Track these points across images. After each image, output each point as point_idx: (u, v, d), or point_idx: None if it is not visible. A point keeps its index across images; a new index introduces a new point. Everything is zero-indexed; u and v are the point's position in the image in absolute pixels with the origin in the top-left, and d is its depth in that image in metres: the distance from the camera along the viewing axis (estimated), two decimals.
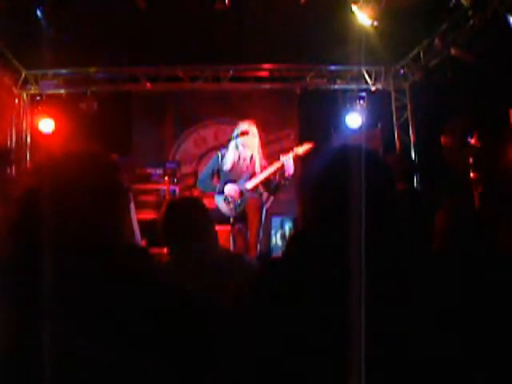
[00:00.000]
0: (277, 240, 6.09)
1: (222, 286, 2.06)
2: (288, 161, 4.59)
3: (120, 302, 1.03)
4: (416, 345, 0.99)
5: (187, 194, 6.00)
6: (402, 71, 6.92)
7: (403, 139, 7.08)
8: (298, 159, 4.72)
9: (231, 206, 4.66)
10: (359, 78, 7.09)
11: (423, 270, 1.10)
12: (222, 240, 4.07)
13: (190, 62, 6.65)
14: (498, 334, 1.03)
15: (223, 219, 4.63)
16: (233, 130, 4.83)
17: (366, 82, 7.06)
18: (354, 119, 6.96)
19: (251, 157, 4.77)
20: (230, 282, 2.06)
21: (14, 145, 6.65)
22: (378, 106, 7.03)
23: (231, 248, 4.50)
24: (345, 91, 7.13)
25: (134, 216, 3.99)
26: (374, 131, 7.06)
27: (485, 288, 1.11)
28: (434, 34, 5.71)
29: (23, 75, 6.58)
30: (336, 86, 7.16)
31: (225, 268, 2.23)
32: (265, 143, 6.96)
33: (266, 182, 4.74)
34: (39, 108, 6.58)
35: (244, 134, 4.69)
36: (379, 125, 7.09)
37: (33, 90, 6.75)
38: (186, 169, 6.97)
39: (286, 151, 4.72)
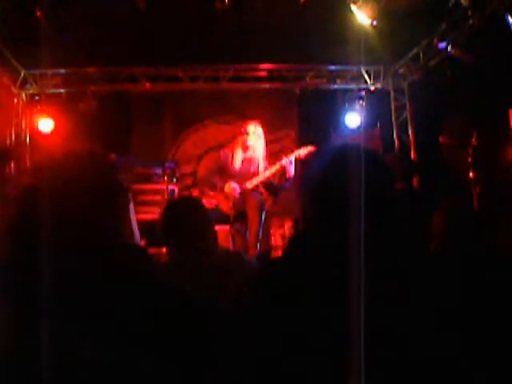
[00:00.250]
0: (277, 240, 6.08)
1: (222, 285, 2.06)
2: (289, 163, 4.59)
3: (119, 302, 1.03)
4: (416, 345, 0.99)
5: (186, 193, 5.99)
6: (401, 71, 6.92)
7: (402, 139, 7.08)
8: (298, 161, 4.72)
9: (231, 204, 4.67)
10: (358, 77, 7.09)
11: (422, 269, 1.10)
12: (221, 240, 4.07)
13: (189, 61, 6.65)
14: (497, 333, 1.03)
15: (223, 219, 4.63)
16: (235, 130, 4.83)
17: (366, 82, 7.06)
18: (353, 119, 6.96)
19: (256, 158, 4.78)
20: (229, 282, 2.06)
21: (13, 144, 6.64)
22: (377, 105, 7.03)
23: (231, 248, 4.50)
24: (344, 91, 7.13)
25: (134, 216, 3.99)
26: (373, 131, 7.06)
27: (484, 288, 1.11)
28: (433, 33, 5.71)
29: (22, 75, 6.57)
30: (335, 86, 7.16)
31: (224, 268, 2.24)
32: (264, 143, 6.99)
33: (267, 183, 4.75)
34: (38, 108, 6.57)
35: (249, 134, 4.70)
36: (378, 124, 7.09)
37: (32, 89, 6.75)
38: (185, 169, 6.97)
39: (285, 151, 4.73)
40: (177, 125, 7.34)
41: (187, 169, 6.99)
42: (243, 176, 4.73)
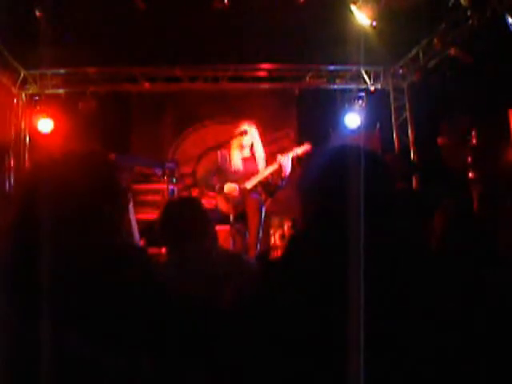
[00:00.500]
0: (276, 240, 6.08)
1: (221, 286, 2.06)
2: (286, 161, 4.60)
3: (119, 302, 1.03)
4: (415, 345, 0.99)
5: (186, 193, 5.99)
6: (400, 71, 6.92)
7: (402, 139, 7.08)
8: (296, 159, 4.73)
9: (231, 205, 4.67)
10: (358, 77, 7.09)
11: (422, 270, 1.10)
12: (221, 240, 4.06)
13: (188, 62, 6.65)
14: (497, 334, 1.03)
15: (223, 219, 4.63)
16: (232, 130, 4.83)
17: (365, 82, 7.06)
18: (353, 119, 6.97)
19: (254, 157, 4.79)
20: (229, 282, 2.06)
21: (12, 144, 6.63)
22: (377, 105, 7.03)
23: (231, 248, 4.50)
24: (343, 91, 7.14)
25: (133, 216, 3.98)
26: (372, 131, 7.06)
27: (484, 288, 1.11)
28: (432, 34, 5.71)
29: (22, 75, 6.57)
30: (335, 86, 7.17)
31: (224, 268, 2.23)
32: (264, 143, 6.98)
33: (264, 183, 4.75)
34: (38, 108, 6.57)
35: (243, 134, 4.70)
36: (378, 125, 7.09)
37: (32, 89, 6.74)
38: (184, 169, 6.96)
39: (284, 151, 4.72)
40: (176, 125, 7.34)
41: (187, 169, 6.98)
42: (241, 176, 4.73)
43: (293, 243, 1.24)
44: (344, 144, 1.28)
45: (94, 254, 1.07)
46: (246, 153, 4.78)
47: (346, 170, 1.12)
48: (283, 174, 4.62)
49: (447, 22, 5.38)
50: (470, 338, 1.01)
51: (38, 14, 4.55)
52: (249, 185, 4.69)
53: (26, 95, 6.80)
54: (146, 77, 6.91)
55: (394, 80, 7.08)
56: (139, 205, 5.70)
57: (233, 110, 6.89)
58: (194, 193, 5.14)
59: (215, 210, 4.64)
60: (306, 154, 4.70)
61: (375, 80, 7.06)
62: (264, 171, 4.71)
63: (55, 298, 0.93)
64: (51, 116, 6.55)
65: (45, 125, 6.55)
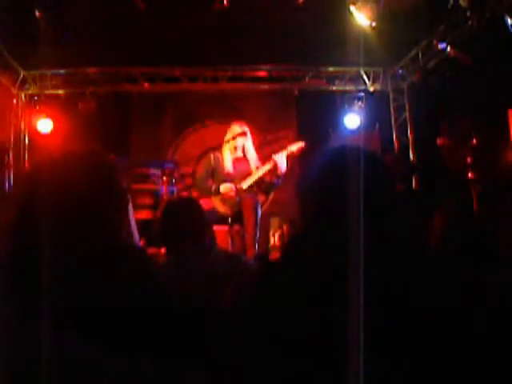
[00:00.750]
0: (275, 240, 6.08)
1: (221, 286, 2.06)
2: (280, 159, 4.62)
3: (119, 302, 1.03)
4: (415, 345, 0.99)
5: (185, 194, 5.99)
6: (400, 72, 6.92)
7: (401, 140, 7.09)
8: (291, 158, 4.75)
9: (228, 206, 4.68)
10: (357, 78, 7.10)
11: (422, 270, 1.10)
12: (219, 240, 4.07)
13: (188, 62, 6.65)
14: (497, 334, 1.03)
15: (221, 220, 4.64)
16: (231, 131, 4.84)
17: (365, 83, 7.07)
18: (353, 120, 6.97)
19: (247, 158, 4.80)
20: (228, 283, 2.06)
21: (11, 145, 6.63)
22: (377, 106, 7.04)
23: (229, 248, 4.51)
24: (343, 92, 7.14)
25: (133, 216, 3.98)
26: (372, 132, 7.07)
27: (484, 288, 1.11)
28: (432, 35, 5.72)
29: (21, 75, 6.57)
30: (334, 87, 7.17)
31: (223, 268, 2.24)
32: (263, 144, 6.99)
33: (259, 182, 4.76)
34: (37, 108, 6.57)
35: (242, 135, 4.72)
36: (377, 125, 7.10)
37: (31, 90, 6.74)
38: (184, 169, 6.96)
39: (279, 151, 4.74)
40: (176, 125, 7.34)
41: (186, 169, 6.99)
42: (236, 177, 4.74)
43: (292, 243, 1.24)
44: (343, 144, 1.28)
45: (94, 254, 1.07)
46: (239, 153, 4.81)
47: (346, 170, 1.12)
48: (279, 172, 4.64)
49: (447, 22, 5.38)
50: (470, 338, 1.01)
51: (37, 14, 4.55)
52: (244, 185, 4.70)
53: (25, 95, 6.80)
54: (145, 77, 6.91)
55: (394, 81, 7.09)
56: (139, 205, 5.70)
57: (232, 111, 6.90)
58: (194, 193, 5.14)
59: (212, 211, 4.64)
60: (301, 152, 4.73)
61: (375, 81, 7.06)
62: (259, 171, 4.73)
63: (55, 298, 0.93)
64: (51, 116, 6.55)
65: (44, 125, 6.55)
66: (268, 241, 6.07)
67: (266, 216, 5.96)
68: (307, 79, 7.08)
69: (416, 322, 1.01)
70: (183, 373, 1.00)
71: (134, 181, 5.95)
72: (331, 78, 7.15)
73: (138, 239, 4.00)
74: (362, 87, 7.08)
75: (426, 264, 1.13)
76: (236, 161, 4.81)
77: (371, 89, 7.05)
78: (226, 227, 4.63)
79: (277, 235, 6.08)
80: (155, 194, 5.98)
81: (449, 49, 5.35)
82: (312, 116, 7.08)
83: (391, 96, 7.21)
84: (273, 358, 1.01)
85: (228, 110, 7.02)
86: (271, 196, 6.65)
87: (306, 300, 1.05)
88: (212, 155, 4.90)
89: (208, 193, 4.78)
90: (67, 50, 5.42)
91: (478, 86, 4.93)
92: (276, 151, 4.74)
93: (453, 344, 1.00)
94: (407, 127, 7.02)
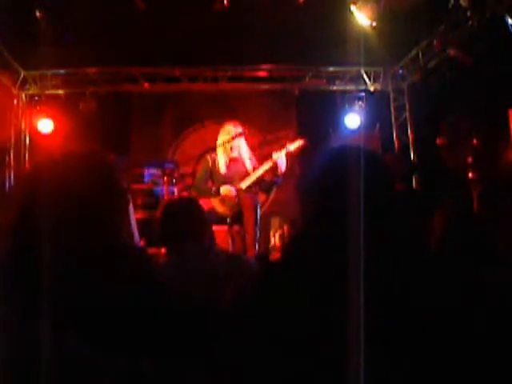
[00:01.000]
0: (275, 240, 6.08)
1: (221, 285, 2.06)
2: (280, 158, 4.62)
3: (119, 302, 1.03)
4: (415, 344, 0.99)
5: (186, 194, 5.99)
6: (400, 72, 6.92)
7: (402, 139, 7.09)
8: (291, 156, 4.75)
9: (227, 206, 4.68)
10: (358, 78, 7.09)
11: (422, 270, 1.10)
12: (220, 240, 4.07)
13: (188, 62, 6.65)
14: (497, 334, 1.03)
15: (221, 220, 4.64)
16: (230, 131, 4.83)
17: (365, 83, 7.07)
18: (353, 120, 6.97)
19: (242, 157, 4.80)
20: (228, 283, 2.06)
21: (12, 145, 6.64)
22: (377, 106, 7.03)
23: (230, 248, 4.51)
24: (343, 92, 7.14)
25: (133, 216, 3.98)
26: (372, 132, 7.06)
27: (484, 289, 1.11)
28: (432, 34, 5.71)
29: (22, 75, 6.57)
30: (335, 87, 7.17)
31: (223, 268, 2.24)
32: (263, 143, 6.99)
33: (259, 181, 4.76)
34: (38, 108, 6.57)
35: (242, 135, 4.73)
36: (378, 125, 7.09)
37: (31, 90, 6.75)
38: (184, 169, 6.96)
39: (279, 150, 4.74)
40: (176, 125, 7.34)
41: (186, 169, 6.99)
42: (233, 178, 4.74)
43: (293, 243, 1.24)
44: (344, 144, 1.28)
45: (94, 254, 1.07)
46: (235, 154, 4.80)
47: (346, 169, 1.12)
48: (278, 171, 4.64)
49: (447, 22, 5.38)
50: (470, 338, 1.01)
51: (38, 14, 4.55)
52: (244, 185, 4.70)
53: (26, 96, 6.80)
54: (145, 77, 6.91)
55: (394, 81, 7.09)
56: (139, 205, 5.70)
57: (233, 111, 6.89)
58: (194, 193, 5.14)
59: (212, 211, 4.64)
60: (301, 151, 4.73)
61: (375, 80, 7.06)
62: (258, 170, 4.73)
63: (55, 298, 0.93)
64: (51, 116, 6.55)
65: (45, 125, 6.54)
66: (268, 241, 6.07)
67: (267, 216, 5.97)
68: (307, 79, 7.08)
69: (416, 322, 1.01)
70: (183, 373, 1.00)
71: (135, 181, 5.95)
72: (331, 78, 7.14)
73: (138, 239, 4.00)
74: (363, 87, 7.07)
75: (426, 264, 1.13)
76: (232, 161, 4.81)
77: (371, 89, 7.05)
78: (225, 227, 4.63)
79: (277, 235, 6.08)
80: (155, 194, 5.97)
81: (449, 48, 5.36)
82: (312, 116, 7.07)
83: (391, 96, 7.21)
84: (273, 358, 1.01)
85: (228, 110, 7.01)
86: (271, 196, 6.65)
87: (306, 300, 1.05)
88: (209, 156, 4.91)
89: (207, 194, 4.78)
90: (67, 50, 5.42)
91: (478, 86, 4.93)
92: (276, 151, 4.74)
93: (453, 344, 1.00)
94: (407, 127, 7.02)
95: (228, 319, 1.12)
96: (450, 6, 4.82)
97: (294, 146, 4.73)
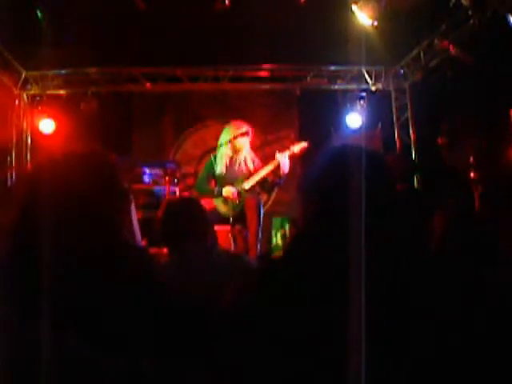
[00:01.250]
0: (277, 240, 6.08)
1: (222, 286, 2.06)
2: (284, 159, 4.61)
3: (120, 302, 1.03)
4: (416, 345, 0.99)
5: (187, 194, 5.99)
6: (402, 71, 6.92)
7: (403, 139, 7.08)
8: (294, 158, 4.74)
9: (230, 207, 4.67)
10: (359, 78, 7.09)
11: (422, 270, 1.10)
12: (221, 240, 4.07)
13: (189, 62, 6.66)
14: (497, 334, 1.03)
15: (223, 219, 4.64)
16: (233, 131, 4.82)
17: (366, 82, 7.06)
18: (354, 119, 6.96)
19: (244, 157, 4.79)
20: (229, 282, 2.06)
21: (14, 145, 6.65)
22: (378, 106, 7.03)
23: (232, 248, 4.50)
24: (345, 91, 7.13)
25: (135, 216, 3.98)
26: (374, 131, 7.06)
27: (485, 289, 1.11)
28: (433, 34, 5.71)
29: (23, 76, 6.58)
30: (336, 86, 7.16)
31: (224, 268, 2.24)
32: (264, 143, 6.99)
33: (262, 182, 4.76)
34: (39, 108, 6.58)
35: (245, 134, 4.71)
36: (379, 125, 7.09)
37: (33, 90, 6.75)
38: (185, 169, 6.97)
39: (283, 151, 4.73)
40: (177, 125, 7.35)
41: (188, 169, 7.00)
42: (235, 177, 4.73)
43: (293, 243, 1.24)
44: (345, 144, 1.28)
45: (94, 254, 1.07)
46: (242, 153, 4.79)
47: (347, 169, 1.12)
48: (281, 172, 4.63)
49: (448, 22, 5.38)
50: (470, 338, 1.01)
51: (38, 14, 4.56)
52: (247, 185, 4.69)
53: (27, 96, 6.81)
54: (147, 77, 6.92)
55: (396, 80, 7.08)
56: (140, 205, 5.70)
57: (234, 111, 6.89)
58: (195, 193, 5.14)
59: (214, 211, 4.64)
60: (304, 152, 4.72)
61: (376, 80, 7.05)
62: (262, 170, 4.72)
63: (55, 298, 0.93)
64: (52, 116, 6.56)
65: (46, 125, 6.55)
66: (270, 241, 6.07)
67: (268, 216, 5.96)
68: (309, 79, 7.08)
69: (416, 322, 1.01)
70: (183, 373, 1.00)
71: (136, 181, 5.95)
72: (333, 78, 7.14)
73: (139, 239, 4.00)
74: (364, 86, 7.06)
75: (426, 264, 1.13)
76: (235, 161, 4.80)
77: (373, 88, 7.05)
78: (227, 227, 4.63)
79: (279, 235, 6.08)
80: (157, 194, 5.98)
81: (451, 48, 5.35)
82: (314, 115, 7.07)
83: (393, 95, 7.20)
84: (273, 358, 1.01)
85: (229, 110, 7.01)
86: (273, 196, 6.65)
87: (306, 300, 1.05)
88: (213, 156, 4.89)
89: (210, 195, 4.77)
90: (69, 50, 5.43)
91: (479, 86, 4.92)
92: (277, 151, 4.73)
93: (453, 344, 1.00)
94: (409, 126, 7.01)
95: (228, 319, 1.12)
96: (451, 4, 4.81)
97: (298, 147, 4.72)
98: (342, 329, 0.97)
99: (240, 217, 4.63)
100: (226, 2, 4.75)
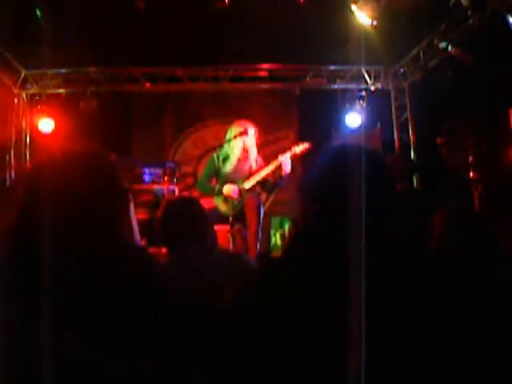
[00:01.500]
0: (276, 240, 6.08)
1: (222, 286, 2.06)
2: (285, 160, 4.60)
3: (120, 302, 1.03)
4: (416, 344, 0.99)
5: (186, 193, 5.99)
6: (401, 71, 6.92)
7: (403, 139, 7.09)
8: (295, 158, 4.73)
9: (230, 205, 4.67)
10: (359, 77, 7.09)
11: (422, 269, 1.10)
12: (221, 240, 4.06)
13: (189, 62, 6.66)
14: (497, 334, 1.03)
15: (222, 219, 4.63)
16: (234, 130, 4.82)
17: (366, 82, 7.06)
18: (354, 119, 6.96)
19: (248, 157, 4.79)
20: (229, 282, 2.06)
21: (13, 145, 6.65)
22: (378, 105, 7.03)
23: (231, 248, 4.50)
24: (344, 91, 7.13)
25: (134, 216, 3.98)
26: (373, 131, 7.06)
27: (484, 289, 1.11)
28: (433, 33, 5.71)
29: (22, 75, 6.58)
30: (335, 86, 7.17)
31: (224, 268, 2.23)
32: (264, 143, 6.98)
33: (263, 182, 4.75)
34: (39, 108, 6.58)
35: (243, 134, 4.70)
36: (379, 124, 7.09)
37: (32, 89, 6.75)
38: (185, 169, 6.96)
39: (284, 151, 4.72)
40: (177, 125, 7.35)
41: (187, 169, 6.99)
42: (237, 176, 4.73)
43: (293, 243, 1.24)
44: (345, 144, 1.27)
45: (94, 254, 1.07)
46: (248, 153, 4.78)
47: (347, 169, 1.11)
48: (283, 173, 4.62)
49: (448, 21, 5.38)
50: (470, 338, 1.01)
51: (38, 13, 4.55)
52: (247, 185, 4.69)
53: (26, 95, 6.81)
54: (146, 77, 6.92)
55: (395, 80, 7.09)
56: (140, 205, 5.70)
57: (233, 111, 6.89)
58: (195, 193, 5.14)
59: (213, 210, 4.64)
60: (306, 153, 4.71)
61: (376, 80, 7.05)
62: (263, 171, 4.71)
63: (55, 298, 0.93)
64: (52, 116, 6.55)
65: (45, 125, 6.55)
66: (269, 240, 6.06)
67: (268, 215, 5.96)
68: (308, 78, 7.08)
69: (416, 322, 1.01)
70: (183, 373, 1.00)
71: (135, 180, 5.95)
72: (332, 77, 7.14)
73: (139, 239, 4.00)
74: (364, 86, 7.06)
75: (426, 264, 1.13)
76: (238, 160, 4.79)
77: (372, 88, 7.05)
78: (227, 226, 4.63)
79: (278, 235, 6.08)
80: (156, 194, 5.98)
81: (450, 48, 5.35)
82: (313, 115, 7.07)
83: (392, 95, 7.20)
84: (273, 358, 1.01)
85: (229, 110, 7.01)
86: (273, 195, 6.65)
87: (306, 300, 1.05)
88: (215, 155, 4.88)
89: (210, 193, 4.77)
90: (68, 49, 5.43)
91: (479, 85, 4.93)
92: (277, 151, 4.73)
93: (453, 343, 1.00)
94: (408, 126, 7.02)
95: (228, 319, 1.12)
96: (450, 4, 4.81)
97: (299, 148, 4.71)
98: (341, 329, 0.97)
99: (239, 216, 4.63)
100: (226, 1, 4.75)
